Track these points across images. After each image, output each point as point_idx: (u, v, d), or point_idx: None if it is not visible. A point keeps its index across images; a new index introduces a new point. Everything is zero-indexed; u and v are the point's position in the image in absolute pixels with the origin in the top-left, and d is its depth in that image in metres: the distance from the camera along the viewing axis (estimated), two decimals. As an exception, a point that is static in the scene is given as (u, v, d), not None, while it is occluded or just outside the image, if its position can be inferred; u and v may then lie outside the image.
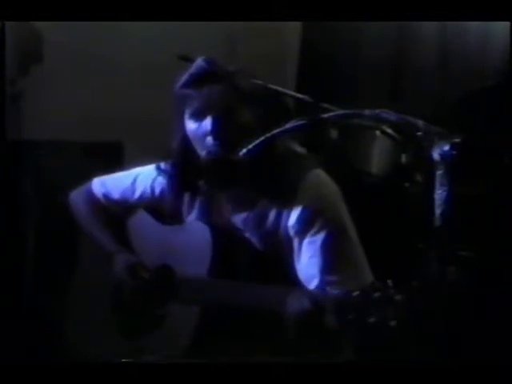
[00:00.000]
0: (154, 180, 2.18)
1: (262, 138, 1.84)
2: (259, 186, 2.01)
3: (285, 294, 1.85)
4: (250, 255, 2.02)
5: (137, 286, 2.11)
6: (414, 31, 3.54)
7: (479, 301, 2.57)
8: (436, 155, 1.68)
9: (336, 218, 1.96)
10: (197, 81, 1.99)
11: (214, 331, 1.97)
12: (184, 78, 2.01)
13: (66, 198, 2.36)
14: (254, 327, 1.92)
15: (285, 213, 1.98)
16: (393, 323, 1.65)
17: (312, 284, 1.93)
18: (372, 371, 1.75)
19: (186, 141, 2.02)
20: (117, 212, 2.25)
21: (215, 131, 1.94)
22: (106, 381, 1.82)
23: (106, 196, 2.27)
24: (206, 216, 2.09)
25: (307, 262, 1.94)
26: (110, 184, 2.27)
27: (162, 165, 2.13)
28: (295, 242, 1.97)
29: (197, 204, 2.11)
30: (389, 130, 2.66)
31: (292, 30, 3.84)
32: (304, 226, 1.95)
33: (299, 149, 2.09)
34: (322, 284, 1.92)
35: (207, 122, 1.96)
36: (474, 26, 3.38)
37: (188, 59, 2.58)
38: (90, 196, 2.29)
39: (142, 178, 2.21)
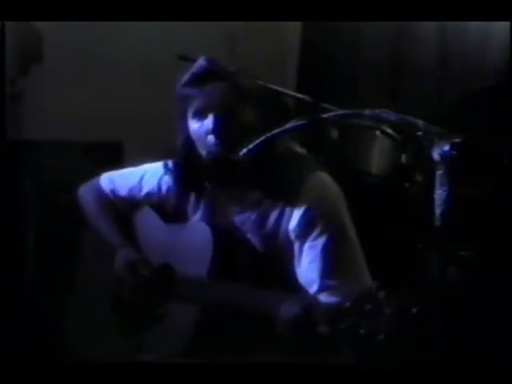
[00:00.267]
0: (160, 178, 2.18)
1: (263, 138, 1.84)
2: (262, 187, 2.01)
3: (279, 300, 1.85)
4: (250, 257, 2.02)
5: (137, 283, 2.11)
6: (414, 31, 3.53)
7: (479, 301, 2.57)
8: (436, 155, 1.68)
9: (337, 221, 1.95)
10: (198, 80, 1.99)
11: (213, 331, 1.97)
12: (186, 77, 2.02)
13: (66, 198, 2.36)
14: (252, 327, 1.92)
15: (286, 215, 1.98)
16: (381, 336, 1.65)
17: (312, 288, 1.93)
18: (371, 373, 1.75)
19: (189, 140, 2.02)
20: (123, 208, 2.25)
21: (217, 130, 1.95)
22: (105, 381, 1.82)
23: (114, 192, 2.27)
24: (210, 216, 2.10)
25: (307, 267, 1.94)
26: (118, 180, 2.27)
27: (169, 163, 2.13)
28: (296, 245, 1.96)
29: (201, 204, 2.12)
30: (389, 130, 2.66)
31: (292, 29, 3.84)
32: (305, 229, 1.94)
33: (301, 149, 2.09)
34: (322, 289, 1.91)
35: (209, 121, 1.96)
36: (474, 25, 3.38)
37: (188, 59, 2.58)
38: (98, 191, 2.29)
39: (148, 176, 2.22)
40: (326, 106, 2.51)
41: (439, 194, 1.68)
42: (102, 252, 2.24)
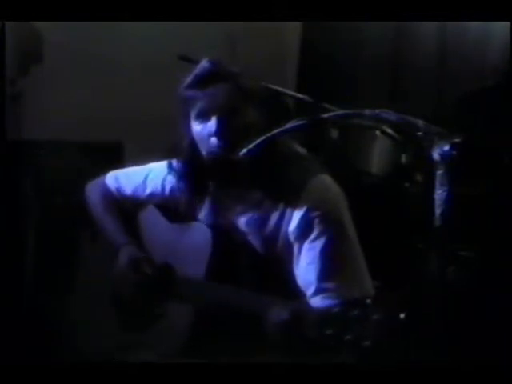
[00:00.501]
0: (164, 178, 2.18)
1: (263, 138, 1.84)
2: (263, 187, 2.01)
3: (269, 303, 1.86)
4: (250, 258, 2.02)
5: (138, 282, 2.11)
6: (414, 31, 3.54)
7: (479, 301, 2.57)
8: (436, 155, 1.68)
9: (337, 222, 1.94)
10: (201, 81, 1.99)
11: (212, 331, 1.97)
12: (189, 79, 2.02)
13: (65, 199, 2.37)
14: (251, 327, 1.92)
15: (286, 216, 1.98)
16: (367, 342, 1.65)
17: (310, 290, 1.92)
18: (371, 373, 1.75)
19: (193, 141, 2.02)
20: (128, 206, 2.26)
21: (220, 132, 1.95)
22: (105, 381, 1.82)
23: (119, 190, 2.28)
24: (212, 216, 2.10)
25: (306, 268, 1.94)
26: (123, 179, 2.28)
27: (174, 162, 2.13)
28: (295, 247, 1.96)
29: (205, 204, 2.12)
30: (389, 130, 2.66)
31: (292, 29, 3.84)
32: (304, 231, 1.94)
33: (302, 150, 2.09)
34: (320, 290, 1.91)
35: (212, 123, 1.96)
36: (474, 25, 3.38)
37: (188, 59, 2.59)
38: (104, 189, 2.30)
39: (153, 176, 2.22)
40: (326, 105, 2.51)
41: (439, 194, 1.68)
42: (102, 252, 2.24)
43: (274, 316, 1.83)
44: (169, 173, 2.15)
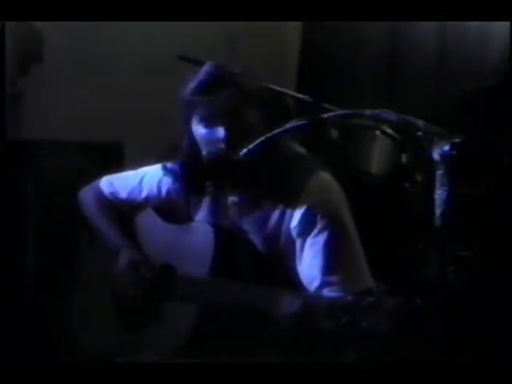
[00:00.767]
0: (160, 180, 2.19)
1: (262, 138, 1.84)
2: (263, 187, 2.01)
3: (279, 296, 1.86)
4: (252, 257, 2.02)
5: (139, 283, 2.11)
6: (413, 31, 3.53)
7: (479, 301, 2.57)
8: (436, 155, 1.68)
9: (338, 219, 1.96)
10: (206, 87, 1.99)
11: (213, 331, 1.97)
12: (192, 84, 2.01)
13: (66, 199, 2.37)
14: (252, 327, 1.92)
15: (288, 214, 1.99)
16: (384, 328, 1.65)
17: (313, 285, 1.94)
18: (371, 373, 1.75)
19: (193, 142, 2.03)
20: (124, 210, 2.26)
21: (226, 137, 1.95)
22: (106, 381, 1.82)
23: (114, 195, 2.28)
24: (212, 216, 2.10)
25: (309, 263, 1.95)
26: (118, 183, 2.28)
27: (169, 165, 2.14)
28: (297, 243, 1.97)
29: (203, 204, 2.12)
30: (389, 130, 2.66)
31: (292, 29, 3.84)
32: (306, 227, 1.95)
33: (302, 150, 2.10)
34: (323, 285, 1.92)
35: (217, 129, 1.96)
36: (474, 25, 3.38)
37: (188, 59, 2.59)
38: (99, 194, 2.30)
39: (148, 178, 2.22)
40: (326, 105, 2.51)
41: (439, 194, 1.68)
42: (101, 252, 2.24)
43: (285, 307, 1.83)
44: (165, 174, 2.16)
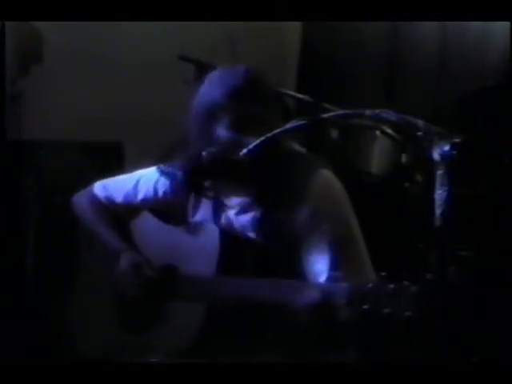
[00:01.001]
0: (156, 182, 2.18)
1: (263, 138, 1.84)
2: (265, 186, 2.01)
3: (296, 288, 1.86)
4: (255, 255, 2.02)
5: (140, 284, 2.11)
6: (413, 31, 3.54)
7: (479, 301, 2.57)
8: (436, 155, 1.68)
9: (344, 217, 1.98)
10: (238, 93, 1.96)
11: (215, 332, 1.97)
12: (225, 88, 1.97)
13: (66, 199, 2.37)
14: (255, 327, 1.92)
15: (292, 212, 1.99)
16: (407, 314, 1.66)
17: (320, 279, 1.94)
18: (371, 373, 1.75)
19: (201, 144, 2.00)
20: (121, 213, 2.26)
21: (254, 145, 1.91)
22: (106, 381, 1.82)
23: (109, 199, 2.27)
24: (211, 216, 2.10)
25: (315, 259, 1.96)
26: (112, 188, 2.27)
27: (164, 167, 2.14)
28: (304, 240, 1.98)
29: (202, 205, 2.12)
30: (389, 130, 2.66)
31: (292, 29, 3.84)
32: (313, 224, 1.96)
33: (303, 150, 2.10)
34: (329, 280, 1.92)
35: (245, 136, 1.93)
36: (474, 26, 3.38)
37: (188, 59, 2.59)
38: (93, 199, 2.29)
39: (144, 181, 2.22)
40: (326, 105, 2.51)
41: (439, 194, 1.69)
42: (101, 252, 2.24)
43: (306, 297, 1.84)
44: (162, 176, 2.16)
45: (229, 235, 2.04)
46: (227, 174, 2.00)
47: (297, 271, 1.97)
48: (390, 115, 1.78)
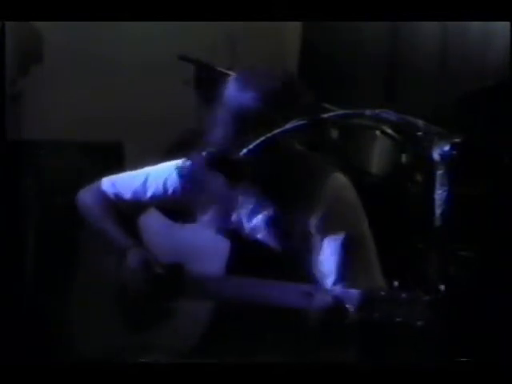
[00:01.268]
0: (166, 179, 2.18)
1: (263, 138, 1.84)
2: (277, 187, 2.01)
3: (306, 291, 1.86)
4: (264, 255, 2.02)
5: (149, 281, 2.11)
6: (414, 31, 3.54)
7: (479, 301, 2.57)
8: (436, 155, 1.69)
9: (355, 221, 1.99)
10: (269, 95, 1.94)
11: (220, 331, 1.97)
12: (262, 92, 1.95)
13: (66, 199, 2.36)
14: (258, 328, 1.92)
15: (305, 212, 1.99)
16: (419, 323, 1.66)
17: (329, 279, 1.95)
18: (371, 373, 1.76)
19: (219, 142, 1.99)
20: (128, 210, 2.25)
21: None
22: (106, 381, 1.82)
23: (117, 195, 2.26)
24: (221, 216, 2.10)
25: (327, 259, 1.96)
26: (121, 184, 2.27)
27: (176, 163, 2.13)
28: (315, 240, 1.98)
29: (211, 203, 2.12)
30: (389, 130, 2.66)
31: (292, 29, 3.84)
32: (326, 225, 1.96)
33: (303, 150, 2.09)
34: (339, 280, 1.94)
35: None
36: (474, 25, 3.38)
37: (188, 59, 2.59)
38: (101, 195, 2.28)
39: (153, 178, 2.21)
40: (326, 105, 2.51)
41: (439, 194, 1.69)
42: (101, 252, 2.24)
43: (317, 301, 1.84)
44: (171, 173, 2.15)
45: (238, 235, 2.04)
46: (237, 172, 1.99)
47: (305, 272, 1.98)
48: (390, 115, 1.78)
